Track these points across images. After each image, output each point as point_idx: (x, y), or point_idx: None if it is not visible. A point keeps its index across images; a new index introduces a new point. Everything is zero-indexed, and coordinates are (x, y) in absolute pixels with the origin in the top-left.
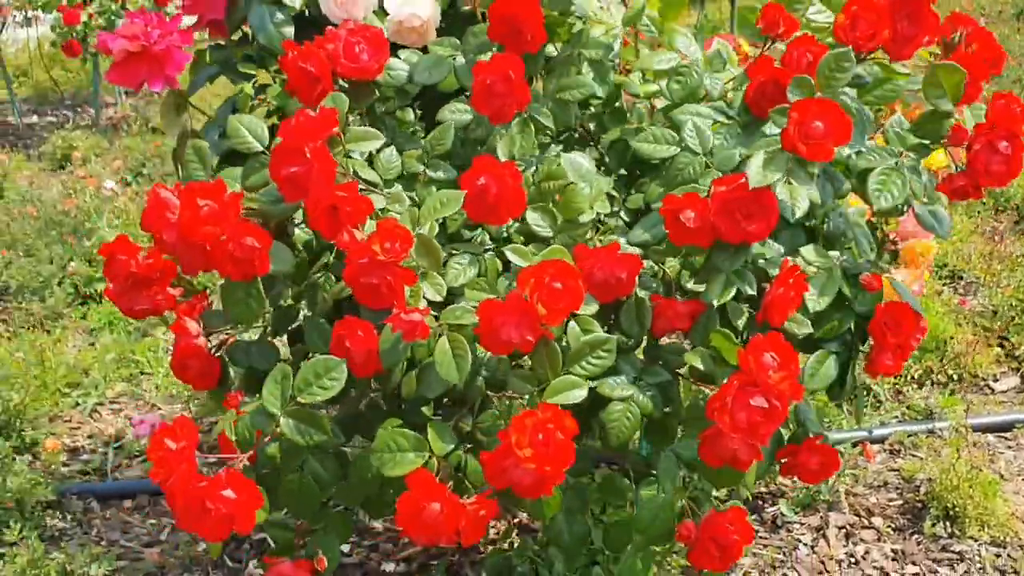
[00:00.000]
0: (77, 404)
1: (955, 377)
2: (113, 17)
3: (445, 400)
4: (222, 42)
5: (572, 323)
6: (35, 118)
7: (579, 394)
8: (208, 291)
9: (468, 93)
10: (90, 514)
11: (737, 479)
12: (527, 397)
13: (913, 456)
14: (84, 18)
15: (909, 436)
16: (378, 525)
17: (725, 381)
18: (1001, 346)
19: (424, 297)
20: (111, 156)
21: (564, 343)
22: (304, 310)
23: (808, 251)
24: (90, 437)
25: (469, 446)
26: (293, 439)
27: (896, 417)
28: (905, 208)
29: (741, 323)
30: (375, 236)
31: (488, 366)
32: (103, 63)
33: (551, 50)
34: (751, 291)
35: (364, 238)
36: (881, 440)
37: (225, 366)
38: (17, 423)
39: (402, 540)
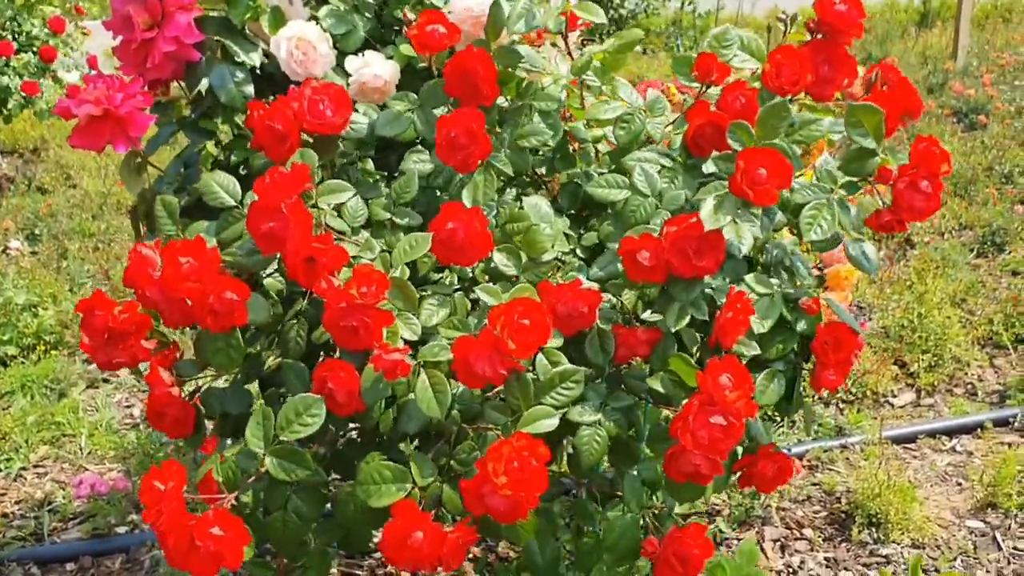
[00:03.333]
0: (0, 470)
1: (859, 395)
2: None
3: (422, 433)
4: (162, 99)
5: (540, 356)
6: None
7: (551, 423)
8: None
9: (425, 141)
10: None
11: (699, 494)
12: (501, 427)
13: (830, 470)
14: None
15: (825, 452)
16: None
17: (684, 402)
18: (896, 364)
19: (401, 337)
20: None
21: (533, 375)
22: (272, 355)
23: (751, 280)
24: (18, 502)
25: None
26: (277, 476)
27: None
28: (838, 241)
29: (695, 347)
30: (352, 281)
31: (462, 399)
32: None
33: (501, 101)
34: (703, 317)
35: (341, 285)
36: (799, 457)
37: (200, 414)
38: None
39: None
